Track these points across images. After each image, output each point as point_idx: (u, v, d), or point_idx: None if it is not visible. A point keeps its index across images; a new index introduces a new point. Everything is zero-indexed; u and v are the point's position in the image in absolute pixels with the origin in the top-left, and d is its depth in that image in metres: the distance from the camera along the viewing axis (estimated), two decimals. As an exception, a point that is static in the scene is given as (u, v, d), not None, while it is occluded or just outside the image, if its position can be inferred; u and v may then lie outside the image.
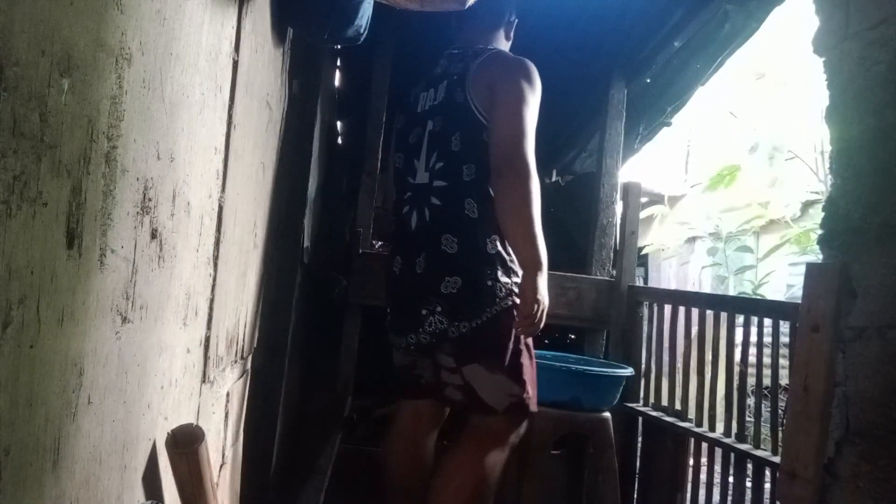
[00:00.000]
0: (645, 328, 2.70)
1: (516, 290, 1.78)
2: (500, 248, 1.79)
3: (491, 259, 1.78)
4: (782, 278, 6.26)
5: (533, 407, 1.83)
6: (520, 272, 1.78)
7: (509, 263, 1.80)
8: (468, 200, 1.80)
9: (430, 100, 1.95)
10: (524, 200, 1.72)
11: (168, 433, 1.00)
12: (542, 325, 1.80)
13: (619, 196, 2.91)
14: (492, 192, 1.79)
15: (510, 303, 1.77)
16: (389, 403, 2.57)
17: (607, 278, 2.79)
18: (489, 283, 1.76)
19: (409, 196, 1.93)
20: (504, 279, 1.78)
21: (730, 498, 2.22)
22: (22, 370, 0.59)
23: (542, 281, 1.76)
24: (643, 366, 2.69)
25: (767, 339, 2.16)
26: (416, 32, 2.79)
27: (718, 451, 2.34)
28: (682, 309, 2.60)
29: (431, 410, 1.96)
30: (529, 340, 1.85)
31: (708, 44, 2.75)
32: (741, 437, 2.20)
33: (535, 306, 1.74)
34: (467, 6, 1.83)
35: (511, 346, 1.78)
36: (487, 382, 1.76)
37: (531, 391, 1.81)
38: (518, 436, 1.86)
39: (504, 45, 2.05)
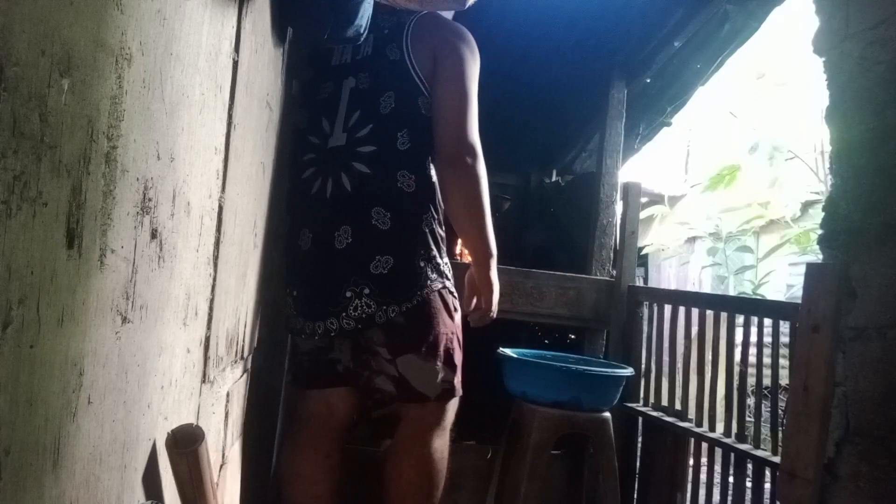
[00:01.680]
0: (645, 328, 2.70)
1: (448, 271, 1.72)
2: (434, 226, 1.68)
3: (424, 238, 1.66)
4: (782, 278, 6.26)
5: (458, 391, 1.75)
6: (446, 254, 1.73)
7: (441, 243, 1.71)
8: (402, 172, 1.64)
9: (352, 53, 1.75)
10: (476, 190, 1.65)
11: (168, 433, 1.00)
12: (494, 315, 1.80)
13: (619, 196, 2.91)
14: (434, 173, 1.69)
15: (440, 285, 1.68)
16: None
17: (607, 278, 2.79)
18: (421, 263, 1.64)
19: (313, 158, 1.73)
20: (437, 260, 1.68)
21: (730, 498, 2.22)
22: (22, 370, 0.59)
23: (493, 272, 1.74)
24: (643, 366, 2.69)
25: (767, 339, 2.16)
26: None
27: (718, 451, 2.34)
28: (682, 309, 2.60)
29: (345, 403, 1.77)
30: (459, 324, 1.76)
31: (708, 44, 2.75)
32: (741, 437, 2.20)
33: (492, 297, 1.74)
34: (467, 6, 1.83)
35: (443, 329, 1.69)
36: (420, 371, 1.66)
37: (459, 374, 1.75)
38: (453, 416, 1.78)
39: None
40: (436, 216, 1.70)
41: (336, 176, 1.67)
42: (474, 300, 1.81)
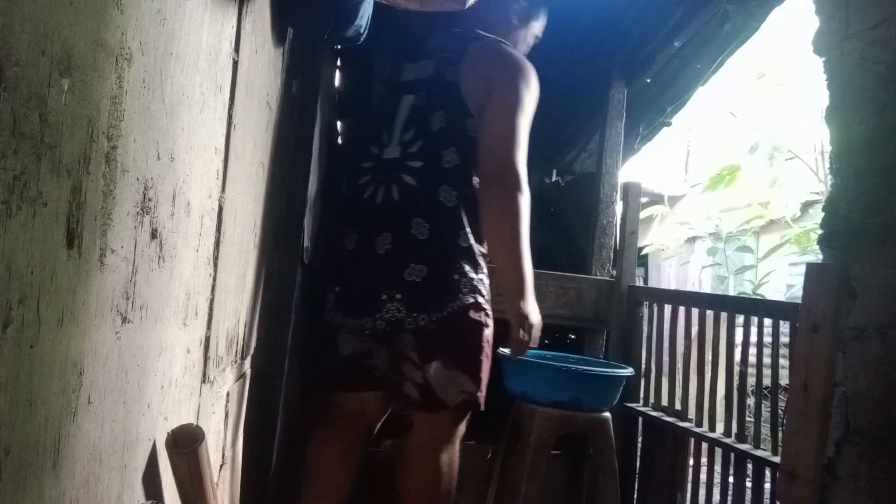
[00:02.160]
0: (645, 328, 2.70)
1: (482, 288, 1.71)
2: (472, 241, 1.70)
3: (462, 252, 1.68)
4: (782, 278, 6.26)
5: (481, 406, 1.73)
6: (486, 269, 1.73)
7: (478, 259, 1.72)
8: (444, 187, 1.69)
9: (416, 72, 1.84)
10: (513, 219, 1.65)
11: (168, 433, 1.00)
12: (535, 343, 1.78)
13: (619, 196, 2.91)
14: (478, 196, 1.71)
15: (473, 299, 1.68)
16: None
17: (607, 278, 2.79)
18: (455, 276, 1.66)
19: (371, 167, 1.80)
20: (471, 275, 1.69)
21: (730, 498, 2.21)
22: (22, 370, 0.59)
23: (528, 303, 1.71)
24: (643, 366, 2.69)
25: (767, 339, 2.16)
26: (417, 33, 2.79)
27: (718, 451, 2.34)
28: (682, 309, 2.60)
29: (378, 405, 1.84)
30: (490, 339, 1.76)
31: (708, 44, 2.75)
32: (741, 437, 2.20)
33: (521, 330, 1.71)
34: (467, 6, 1.83)
35: (472, 342, 1.70)
36: (443, 378, 1.66)
37: (483, 390, 1.73)
38: (464, 427, 1.79)
39: (518, 45, 1.96)
40: (476, 234, 1.72)
41: (388, 186, 1.74)
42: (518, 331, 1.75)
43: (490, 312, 1.77)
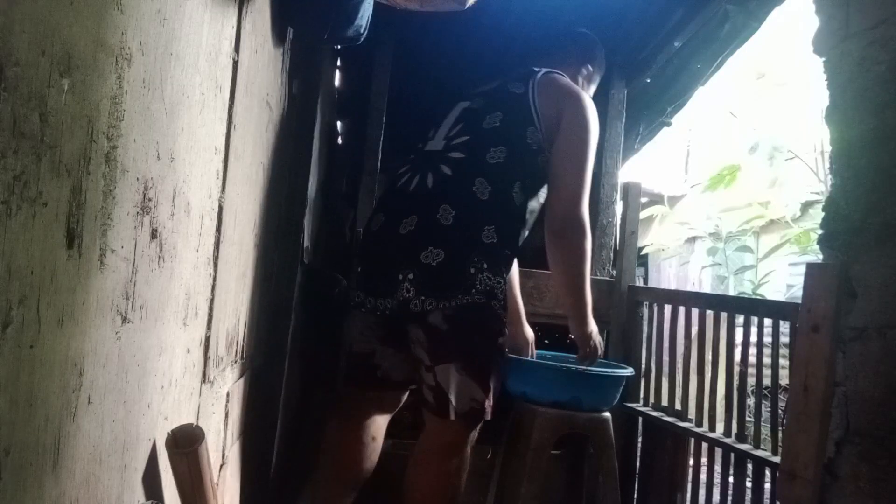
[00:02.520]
0: (645, 328, 2.70)
1: (498, 292, 1.69)
2: (496, 240, 1.67)
3: (484, 248, 1.66)
4: (782, 278, 6.26)
5: (488, 416, 1.72)
6: (506, 276, 1.75)
7: (501, 261, 1.70)
8: (480, 179, 1.70)
9: (475, 88, 1.95)
10: (579, 261, 1.80)
11: (168, 433, 1.00)
12: (600, 353, 2.08)
13: (619, 196, 2.91)
14: (517, 197, 1.74)
15: (484, 300, 1.65)
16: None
17: (607, 278, 2.79)
18: (472, 270, 1.64)
19: (412, 158, 1.86)
20: (489, 274, 1.65)
21: (730, 498, 2.21)
22: (22, 370, 0.59)
23: (590, 326, 1.96)
24: (643, 366, 2.69)
25: (767, 339, 2.16)
26: (416, 32, 2.79)
27: (718, 451, 2.34)
28: (682, 309, 2.60)
29: (381, 402, 1.88)
30: (503, 348, 1.78)
31: (708, 44, 2.75)
32: (741, 437, 2.20)
33: (587, 348, 2.00)
34: (467, 6, 1.83)
35: (484, 346, 1.69)
36: (455, 383, 1.65)
37: (492, 399, 1.72)
38: (476, 434, 1.78)
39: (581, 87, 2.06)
40: (503, 236, 1.70)
41: (423, 174, 1.76)
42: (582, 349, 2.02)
43: (505, 319, 1.75)
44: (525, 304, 2.40)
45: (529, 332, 2.18)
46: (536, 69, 1.90)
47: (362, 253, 1.87)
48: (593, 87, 2.17)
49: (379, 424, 1.90)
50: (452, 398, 1.66)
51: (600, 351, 2.07)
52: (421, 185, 1.74)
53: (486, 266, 1.66)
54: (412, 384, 1.86)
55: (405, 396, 1.93)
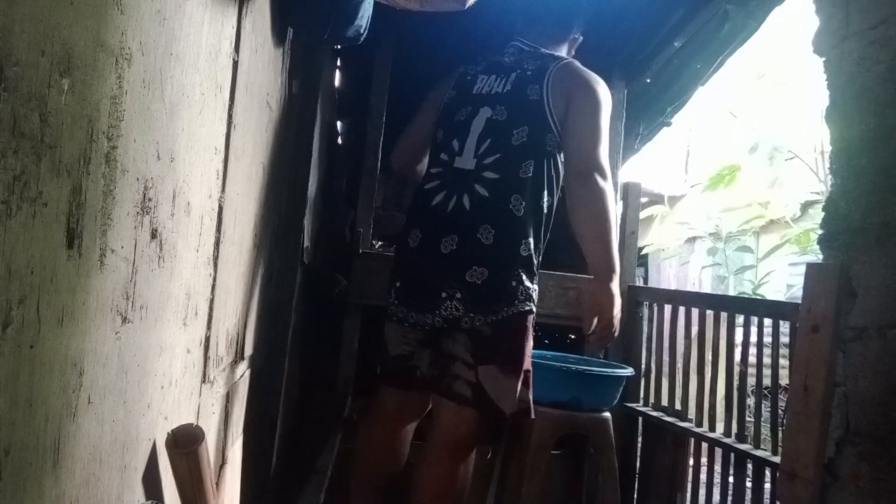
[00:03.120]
0: (645, 328, 2.70)
1: (535, 296, 1.81)
2: (531, 251, 1.80)
3: (522, 261, 1.78)
4: (782, 278, 6.26)
5: (534, 414, 1.86)
6: (538, 277, 1.83)
7: (535, 269, 1.82)
8: (516, 196, 1.79)
9: (492, 85, 1.92)
10: (603, 205, 1.77)
11: (168, 433, 1.00)
12: (616, 332, 1.86)
13: (619, 196, 2.90)
14: (546, 204, 1.83)
15: (527, 307, 1.78)
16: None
17: (607, 278, 2.78)
18: (513, 283, 1.76)
19: (441, 172, 1.89)
20: (527, 283, 1.78)
21: (730, 498, 2.22)
22: (22, 370, 0.59)
23: (616, 286, 1.81)
24: (643, 366, 2.69)
25: (767, 339, 2.16)
26: (416, 32, 2.78)
27: (718, 451, 2.34)
28: (682, 309, 2.60)
29: (418, 404, 1.94)
30: (531, 348, 1.86)
31: (708, 44, 2.75)
32: (741, 437, 2.20)
33: (610, 315, 1.80)
34: (467, 6, 1.83)
35: (526, 351, 1.79)
36: (498, 384, 1.74)
37: (531, 396, 1.84)
38: (487, 436, 1.90)
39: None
40: (536, 244, 1.81)
41: (460, 195, 1.82)
42: (595, 321, 1.82)
43: (535, 320, 1.86)
44: None
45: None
46: (543, 62, 1.91)
47: (401, 268, 1.91)
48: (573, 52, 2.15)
49: (409, 429, 1.99)
50: (496, 399, 1.75)
51: (616, 329, 1.85)
52: (459, 205, 1.81)
53: (524, 277, 1.78)
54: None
55: (427, 408, 1.98)
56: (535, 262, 1.82)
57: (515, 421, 1.85)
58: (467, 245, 1.76)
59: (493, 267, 1.75)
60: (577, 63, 1.95)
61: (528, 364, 1.81)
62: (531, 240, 1.79)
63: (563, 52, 2.03)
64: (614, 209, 1.81)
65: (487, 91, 1.92)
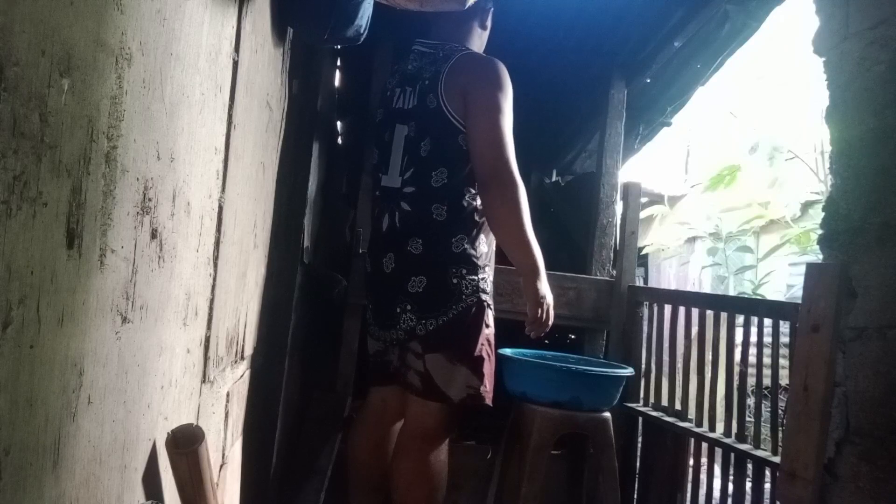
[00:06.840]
0: (645, 328, 2.70)
1: (485, 286, 1.87)
2: (465, 246, 1.85)
3: (456, 258, 1.83)
4: (782, 278, 6.26)
5: (488, 401, 1.88)
6: (487, 269, 1.89)
7: (475, 261, 1.86)
8: (436, 205, 1.85)
9: (405, 100, 1.95)
10: (513, 210, 1.80)
11: (168, 433, 1.00)
12: (550, 322, 1.92)
13: (619, 196, 2.91)
14: (470, 201, 1.86)
15: (476, 299, 1.84)
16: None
17: (607, 278, 2.79)
18: (455, 280, 1.82)
19: (379, 195, 1.98)
20: (471, 277, 1.84)
21: (730, 498, 2.22)
22: (22, 370, 0.59)
23: (542, 282, 1.87)
24: (643, 366, 2.69)
25: (767, 339, 2.16)
26: (416, 33, 2.78)
27: (718, 451, 2.34)
28: (682, 309, 2.60)
29: (397, 399, 1.98)
30: (492, 338, 1.91)
31: (708, 44, 2.75)
32: (741, 437, 2.20)
33: (539, 308, 1.86)
34: (467, 6, 1.83)
35: (477, 339, 1.84)
36: (446, 372, 1.81)
37: (489, 385, 1.88)
38: (455, 426, 1.96)
39: (479, 35, 2.05)
40: (470, 237, 1.86)
41: (392, 214, 1.91)
42: (535, 312, 1.89)
43: (492, 312, 1.92)
44: (505, 302, 2.44)
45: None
46: (437, 65, 1.89)
47: (367, 292, 2.08)
48: (488, 21, 2.09)
49: (395, 428, 2.03)
50: (443, 386, 1.81)
51: (551, 318, 1.91)
52: (391, 224, 1.91)
53: (464, 271, 1.84)
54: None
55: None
56: (477, 252, 1.86)
57: (475, 406, 1.87)
58: (401, 260, 1.86)
59: (429, 273, 1.82)
60: (469, 53, 1.94)
61: (482, 352, 1.85)
62: (462, 235, 1.84)
63: (473, 29, 2.00)
64: (525, 206, 1.80)
65: (401, 107, 1.95)
